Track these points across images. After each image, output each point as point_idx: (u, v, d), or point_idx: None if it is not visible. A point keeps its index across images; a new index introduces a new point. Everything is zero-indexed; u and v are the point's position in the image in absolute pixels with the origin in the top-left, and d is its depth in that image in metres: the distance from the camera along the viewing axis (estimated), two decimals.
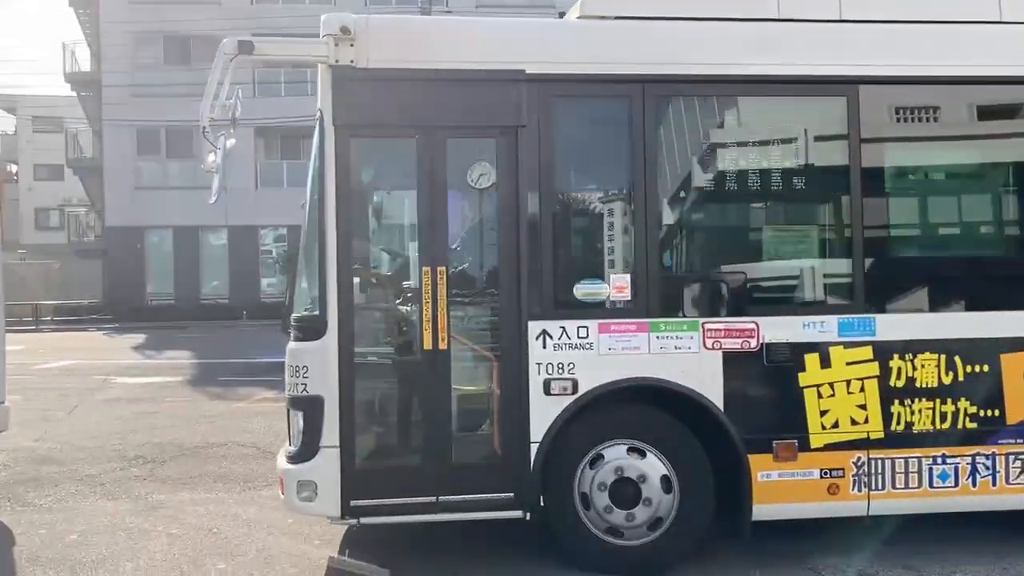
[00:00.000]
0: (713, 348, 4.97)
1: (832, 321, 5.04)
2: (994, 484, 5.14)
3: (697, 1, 5.22)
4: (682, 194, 5.19)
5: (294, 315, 5.06)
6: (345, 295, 4.83)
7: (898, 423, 5.08)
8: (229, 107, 4.78)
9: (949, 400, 5.11)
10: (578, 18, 5.23)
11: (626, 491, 4.97)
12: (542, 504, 4.99)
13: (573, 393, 4.89)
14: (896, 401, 5.07)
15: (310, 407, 4.84)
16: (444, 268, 4.90)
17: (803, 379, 5.02)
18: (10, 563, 5.32)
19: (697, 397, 4.96)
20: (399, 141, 5.14)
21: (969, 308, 5.29)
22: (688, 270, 5.24)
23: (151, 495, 6.88)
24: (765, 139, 5.14)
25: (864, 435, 5.06)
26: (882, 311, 5.10)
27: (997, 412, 5.12)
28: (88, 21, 32.73)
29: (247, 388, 13.05)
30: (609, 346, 4.92)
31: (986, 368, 5.11)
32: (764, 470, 5.01)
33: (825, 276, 5.22)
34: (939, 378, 5.10)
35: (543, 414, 4.88)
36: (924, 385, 5.09)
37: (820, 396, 5.03)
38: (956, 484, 5.13)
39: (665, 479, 4.99)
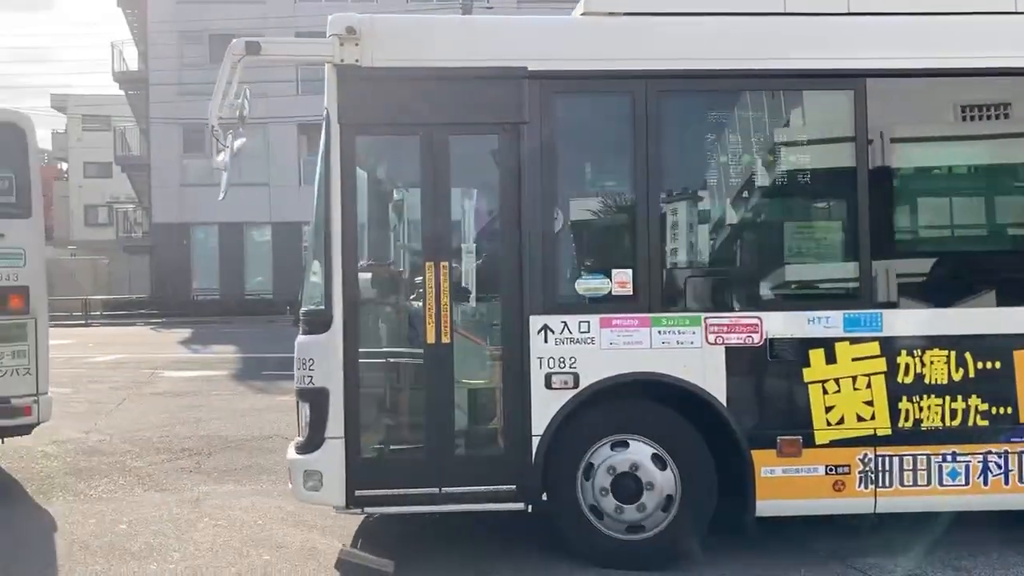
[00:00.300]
0: (715, 343, 4.97)
1: (837, 316, 5.00)
2: (1007, 483, 5.06)
3: None
4: (684, 189, 5.18)
5: (302, 309, 5.17)
6: (350, 290, 4.92)
7: (906, 420, 5.02)
8: (237, 106, 4.90)
9: (960, 397, 5.04)
10: (582, 15, 5.25)
11: (628, 486, 4.99)
12: (545, 498, 5.04)
13: (574, 387, 4.93)
14: (904, 398, 5.01)
15: (316, 399, 4.95)
16: (447, 263, 4.97)
17: (808, 375, 4.99)
18: (52, 550, 5.47)
19: (699, 392, 4.96)
20: (403, 138, 5.23)
21: (981, 304, 5.20)
22: (690, 265, 5.23)
23: (197, 487, 7.01)
24: (769, 134, 5.12)
25: (871, 432, 5.02)
26: (889, 307, 5.05)
27: (1010, 410, 5.04)
28: (136, 21, 33.40)
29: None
30: (611, 341, 4.95)
31: (998, 365, 5.03)
32: (768, 466, 4.99)
33: (830, 271, 5.18)
34: (949, 375, 5.03)
35: (544, 408, 4.93)
36: (934, 382, 5.03)
37: (825, 392, 5.00)
38: (967, 483, 5.07)
39: (667, 474, 5.00)
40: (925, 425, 5.04)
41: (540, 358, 4.93)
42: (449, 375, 5.01)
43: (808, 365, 4.99)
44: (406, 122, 5.07)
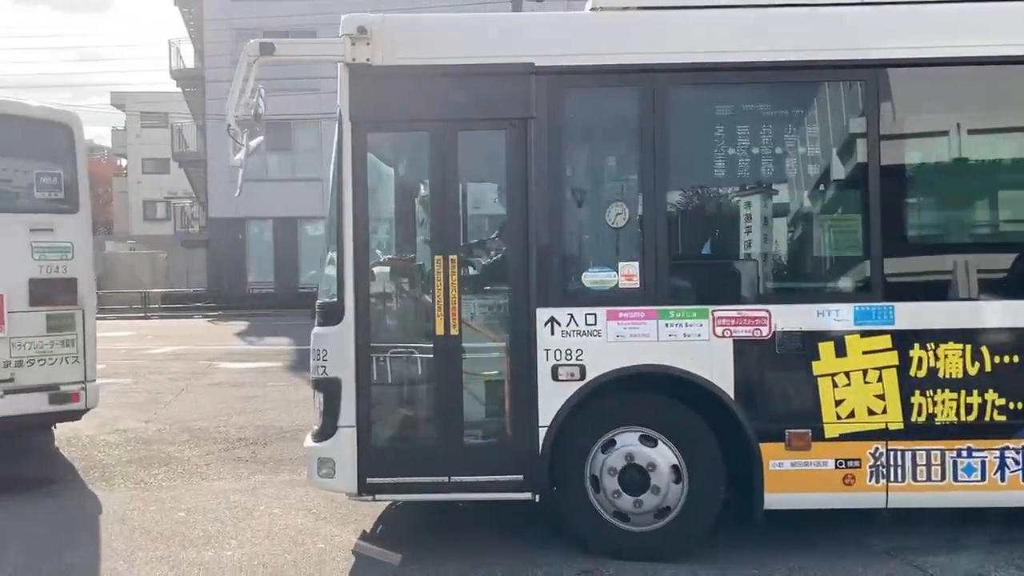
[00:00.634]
0: (723, 336, 4.97)
1: (848, 309, 4.96)
2: None
3: None
4: (691, 182, 5.19)
5: (317, 301, 5.31)
6: (362, 282, 5.05)
7: (919, 414, 4.96)
8: (252, 105, 5.05)
9: (975, 392, 4.96)
10: (591, 10, 5.29)
11: (635, 477, 5.03)
12: (554, 488, 5.10)
13: (581, 379, 4.98)
14: (917, 392, 4.96)
15: (329, 388, 5.09)
16: (456, 257, 5.06)
17: (817, 368, 4.96)
18: (114, 536, 5.67)
19: (706, 385, 4.97)
20: (413, 135, 5.33)
21: (997, 296, 5.11)
22: (697, 258, 5.23)
23: (253, 476, 7.18)
24: (779, 125, 5.07)
25: (882, 426, 4.97)
26: (901, 299, 4.99)
27: None
28: (192, 19, 34.05)
29: None
30: (617, 333, 4.99)
31: (1016, 359, 4.94)
32: (776, 459, 4.99)
33: (840, 263, 5.13)
34: (964, 369, 4.96)
35: (551, 399, 4.99)
36: (948, 376, 4.96)
37: (835, 385, 4.97)
38: (983, 478, 4.99)
39: (674, 467, 5.03)
40: (939, 420, 4.97)
41: (547, 350, 4.99)
42: (457, 366, 5.10)
43: (817, 358, 4.96)
44: (416, 119, 5.17)
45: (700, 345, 4.97)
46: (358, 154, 5.07)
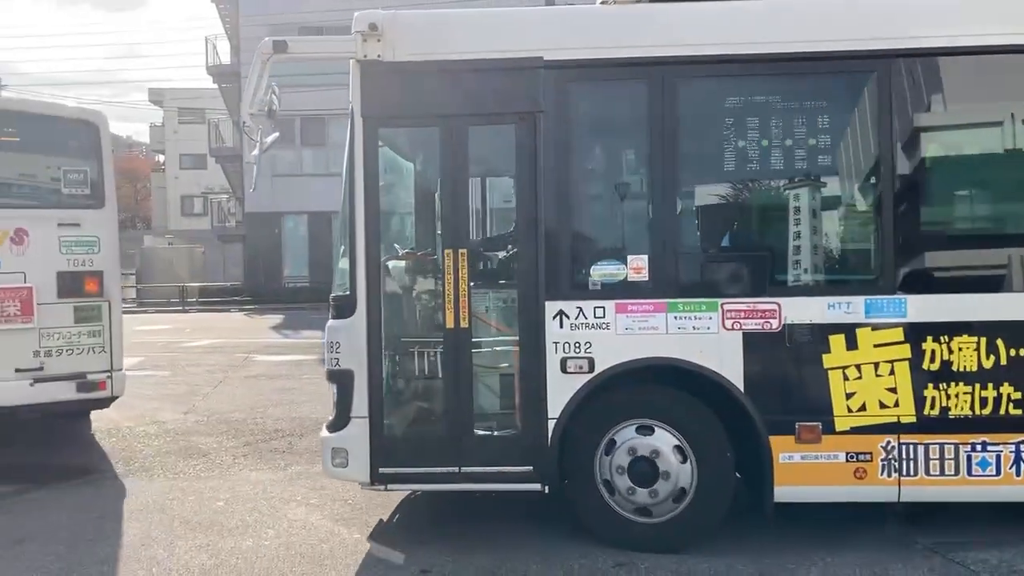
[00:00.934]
0: (733, 328, 4.97)
1: (859, 302, 4.93)
2: None
3: None
4: (700, 175, 5.18)
5: (331, 294, 5.39)
6: (373, 276, 5.12)
7: (932, 408, 4.92)
8: (266, 103, 5.14)
9: (990, 385, 4.91)
10: (600, 3, 5.30)
11: (645, 470, 5.06)
12: (563, 479, 5.14)
13: (590, 371, 5.01)
14: (930, 385, 4.92)
15: (342, 380, 5.18)
16: (465, 250, 5.11)
17: (828, 361, 4.94)
18: (154, 525, 5.80)
19: (716, 377, 4.97)
20: (423, 130, 5.40)
21: (1012, 289, 5.02)
22: (706, 250, 5.22)
23: (290, 467, 7.28)
24: (789, 117, 5.03)
25: (894, 419, 4.94)
26: (914, 292, 4.94)
27: None
28: (228, 15, 34.37)
29: None
30: (626, 326, 5.01)
31: None
32: (786, 452, 4.98)
33: (851, 255, 5.10)
34: (979, 362, 4.91)
35: (560, 391, 5.03)
36: (962, 369, 4.91)
37: (846, 378, 4.94)
38: (998, 473, 4.94)
39: (683, 459, 5.05)
40: (953, 413, 4.92)
41: (555, 343, 5.03)
42: (467, 359, 5.16)
43: (828, 351, 4.94)
44: (426, 114, 5.22)
45: (709, 338, 4.97)
46: (370, 149, 5.14)
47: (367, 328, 5.12)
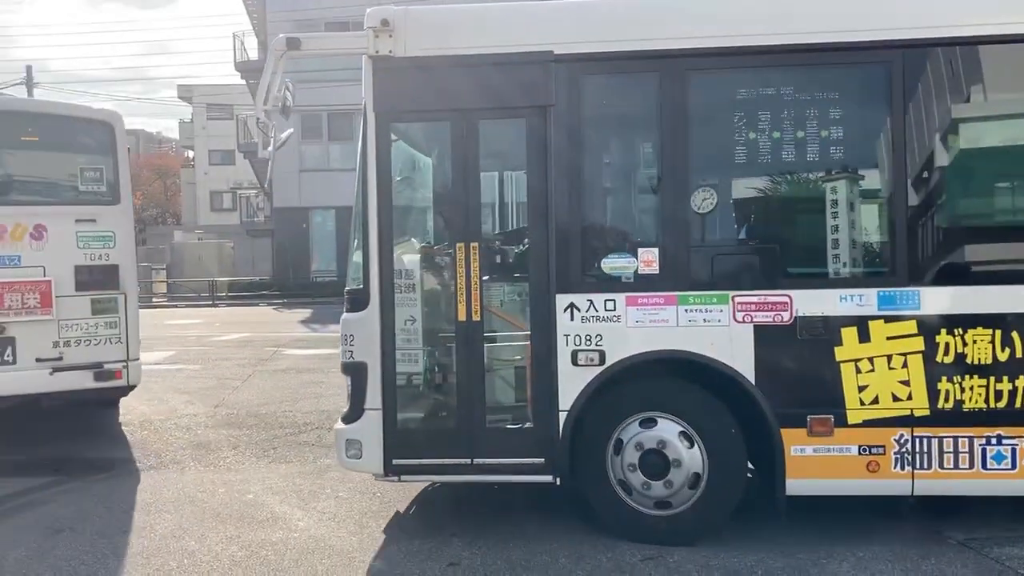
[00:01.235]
0: (743, 321, 4.97)
1: (871, 294, 4.90)
2: None
3: None
4: (712, 167, 5.16)
5: (346, 288, 5.46)
6: (386, 269, 5.18)
7: (946, 401, 4.89)
8: (280, 99, 5.21)
9: (1006, 378, 4.87)
10: None
11: (656, 462, 5.07)
12: (574, 472, 5.16)
13: (600, 364, 5.04)
14: (944, 378, 4.88)
15: (356, 372, 5.25)
16: (477, 244, 5.15)
17: (840, 354, 4.92)
18: (186, 516, 5.90)
19: (726, 370, 4.97)
20: (435, 125, 5.44)
21: None
22: (717, 243, 5.21)
23: (319, 459, 7.33)
24: (801, 109, 4.99)
25: (907, 412, 4.91)
26: (927, 284, 4.91)
27: None
28: (255, 11, 34.63)
29: None
30: (636, 319, 5.02)
31: None
32: (798, 444, 4.97)
33: (864, 247, 5.06)
34: (994, 354, 4.87)
35: (571, 384, 5.06)
36: (976, 362, 4.87)
37: (858, 371, 4.92)
38: (1014, 467, 4.90)
39: (694, 452, 5.05)
40: (967, 406, 4.89)
41: (566, 335, 5.05)
42: (479, 351, 5.20)
43: (840, 344, 4.91)
44: (438, 109, 5.26)
45: (720, 330, 4.97)
46: (382, 145, 5.20)
47: (380, 321, 5.18)
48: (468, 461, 5.18)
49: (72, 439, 8.28)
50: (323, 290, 31.21)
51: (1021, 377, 4.87)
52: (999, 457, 4.91)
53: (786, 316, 4.95)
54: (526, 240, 5.28)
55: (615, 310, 5.03)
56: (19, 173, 8.19)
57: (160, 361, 13.93)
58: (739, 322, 4.97)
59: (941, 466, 4.92)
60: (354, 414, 5.27)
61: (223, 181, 49.31)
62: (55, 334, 7.63)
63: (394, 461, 5.21)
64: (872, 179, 5.07)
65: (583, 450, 5.13)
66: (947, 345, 4.88)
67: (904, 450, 4.93)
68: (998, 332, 4.85)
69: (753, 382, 4.96)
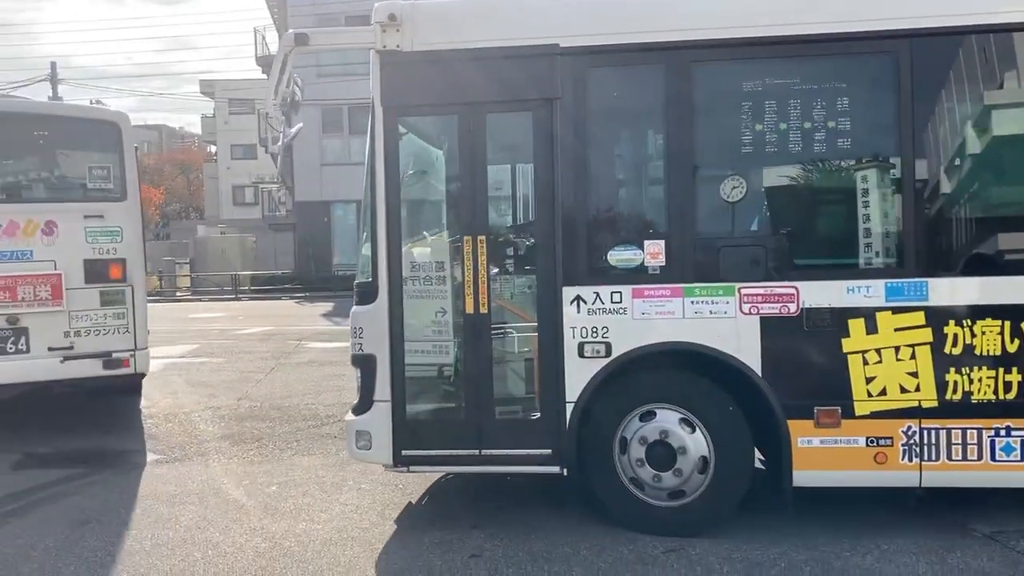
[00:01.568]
0: (750, 313, 4.97)
1: (879, 285, 4.89)
2: None
3: None
4: (718, 159, 5.16)
5: (356, 281, 5.51)
6: (395, 263, 5.23)
7: (954, 392, 4.87)
8: (288, 94, 5.27)
9: (1015, 369, 4.84)
10: None
11: (663, 454, 5.09)
12: (582, 463, 5.20)
13: (607, 356, 5.06)
14: (952, 369, 4.86)
15: (365, 364, 5.31)
16: (484, 237, 5.19)
17: (847, 345, 4.91)
18: (210, 508, 5.95)
19: (733, 361, 4.98)
20: (442, 118, 5.48)
21: None
22: (724, 235, 5.20)
23: (341, 451, 7.26)
24: (808, 99, 4.96)
25: (915, 403, 4.90)
26: (935, 275, 4.89)
27: None
28: (276, 6, 34.77)
29: None
30: (643, 311, 5.04)
31: None
32: (804, 436, 4.97)
33: (871, 238, 5.04)
34: (1003, 346, 4.84)
35: (578, 376, 5.09)
36: (985, 353, 4.85)
37: (866, 363, 4.91)
38: (1023, 458, 4.87)
39: (700, 442, 5.07)
40: (976, 398, 4.87)
41: (573, 328, 5.08)
42: (487, 343, 5.24)
43: (847, 335, 4.91)
44: (445, 102, 5.29)
45: (726, 322, 4.98)
46: (390, 139, 5.24)
47: (389, 314, 5.23)
48: (476, 452, 5.23)
49: (97, 432, 8.42)
50: (345, 283, 30.78)
51: None
52: (1008, 449, 4.89)
53: (793, 308, 4.94)
54: (533, 233, 5.31)
55: (621, 302, 5.05)
56: (31, 172, 8.57)
57: (184, 354, 14.09)
58: (745, 314, 4.97)
59: (949, 458, 4.90)
60: (363, 406, 5.34)
61: (245, 175, 49.54)
62: (66, 324, 7.98)
63: (403, 452, 5.27)
64: (879, 170, 5.03)
65: (590, 441, 5.16)
66: (955, 336, 4.86)
67: (912, 442, 4.92)
68: (1007, 323, 4.82)
69: (760, 374, 4.97)
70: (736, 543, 4.98)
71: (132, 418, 9.01)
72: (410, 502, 5.97)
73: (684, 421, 5.10)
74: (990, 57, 4.96)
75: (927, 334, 4.87)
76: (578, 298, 5.09)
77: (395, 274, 5.24)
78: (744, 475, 5.12)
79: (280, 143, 5.42)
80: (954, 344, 4.87)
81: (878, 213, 5.01)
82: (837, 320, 4.92)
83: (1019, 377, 4.85)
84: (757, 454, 5.39)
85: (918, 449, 4.92)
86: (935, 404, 4.89)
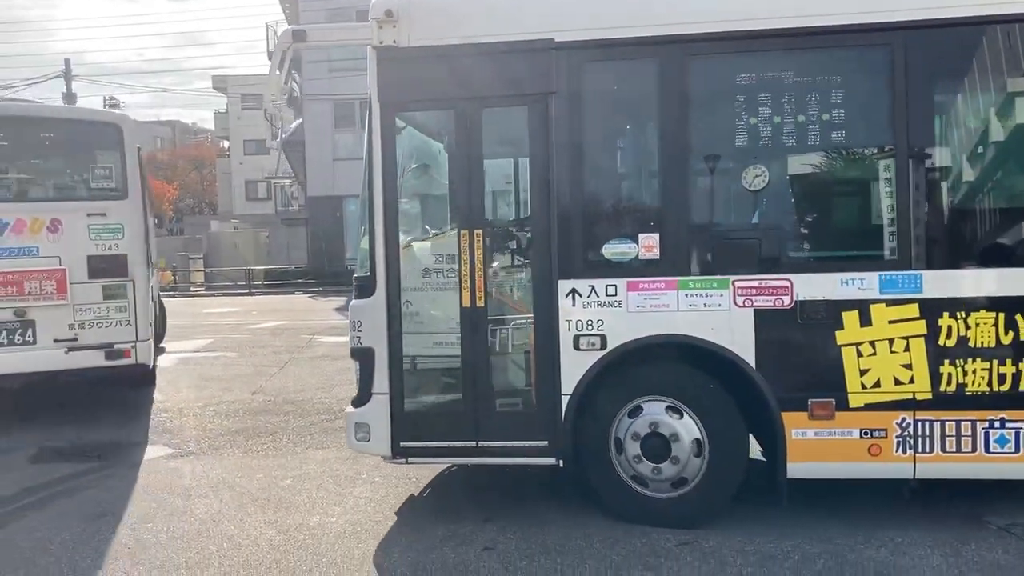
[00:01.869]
0: (744, 305, 5.00)
1: (873, 278, 4.90)
2: None
3: None
4: (712, 153, 5.18)
5: (355, 275, 5.58)
6: (392, 257, 5.29)
7: (948, 384, 4.89)
8: (287, 90, 5.32)
9: (1009, 361, 4.85)
10: None
11: (657, 445, 5.14)
12: (577, 454, 5.24)
13: (602, 349, 5.10)
14: (946, 361, 4.87)
15: (364, 357, 5.36)
16: (481, 231, 5.24)
17: (841, 337, 4.93)
18: (224, 501, 6.01)
19: (727, 354, 5.01)
20: (439, 113, 5.52)
21: None
22: (718, 228, 5.23)
23: None
24: (802, 92, 4.98)
25: (909, 395, 4.92)
26: (929, 267, 4.89)
27: None
28: (288, 1, 34.90)
29: None
30: (638, 304, 5.08)
31: None
32: (799, 428, 5.00)
33: (865, 230, 5.06)
34: (997, 337, 4.85)
35: (573, 368, 5.13)
36: (979, 345, 4.86)
37: (860, 355, 4.93)
38: (1017, 450, 4.89)
39: (694, 434, 5.12)
40: (970, 390, 4.88)
41: (568, 321, 5.13)
42: (484, 336, 5.29)
43: (841, 327, 4.92)
44: (441, 98, 5.34)
45: (721, 315, 5.01)
46: (387, 134, 5.29)
47: (387, 307, 5.29)
48: (473, 444, 5.29)
49: (111, 426, 8.55)
50: None
51: None
52: (1002, 440, 4.90)
53: (787, 300, 4.97)
54: (528, 226, 5.36)
55: (616, 295, 5.09)
56: (37, 173, 8.95)
57: (198, 349, 14.23)
58: (740, 306, 5.00)
59: (943, 450, 4.92)
60: (362, 398, 5.40)
61: (258, 170, 49.74)
62: (70, 317, 8.33)
63: (401, 444, 5.33)
64: (872, 162, 5.06)
65: (585, 433, 5.21)
66: (949, 328, 4.87)
67: (906, 434, 4.94)
68: (1001, 315, 4.83)
69: (754, 366, 5.00)
70: (749, 536, 5.01)
71: (146, 412, 9.15)
72: (411, 494, 6.03)
73: (671, 408, 5.14)
74: (982, 50, 4.95)
75: (921, 326, 4.89)
76: (573, 291, 5.13)
77: (393, 268, 5.30)
78: (738, 464, 5.16)
79: (279, 139, 5.47)
80: (948, 336, 4.88)
81: (872, 205, 5.03)
82: (831, 312, 4.93)
83: (1013, 369, 4.86)
84: (757, 447, 5.42)
85: (912, 441, 4.93)
86: (929, 396, 4.90)
